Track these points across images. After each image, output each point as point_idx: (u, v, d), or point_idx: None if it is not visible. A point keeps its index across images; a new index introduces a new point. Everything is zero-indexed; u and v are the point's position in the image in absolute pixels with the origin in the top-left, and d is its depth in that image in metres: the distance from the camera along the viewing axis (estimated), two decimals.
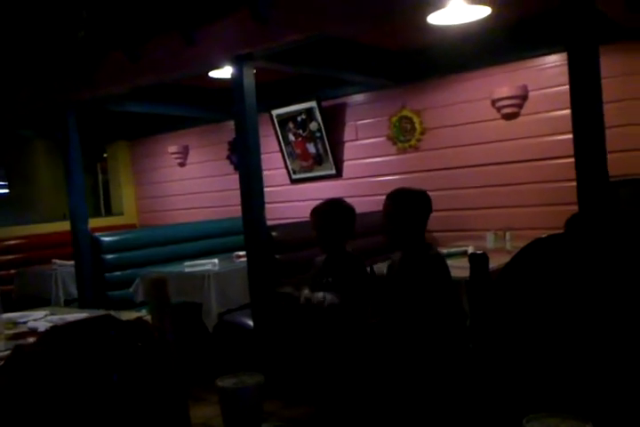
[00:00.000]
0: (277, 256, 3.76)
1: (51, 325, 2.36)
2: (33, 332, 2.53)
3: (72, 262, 4.78)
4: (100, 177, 8.15)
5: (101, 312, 1.82)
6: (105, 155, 7.63)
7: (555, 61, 4.16)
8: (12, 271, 5.49)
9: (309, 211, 2.88)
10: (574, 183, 2.54)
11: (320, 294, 2.59)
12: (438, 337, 2.41)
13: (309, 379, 2.77)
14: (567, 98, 2.59)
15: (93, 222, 5.13)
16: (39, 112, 5.09)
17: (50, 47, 4.24)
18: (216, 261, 4.31)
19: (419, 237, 2.54)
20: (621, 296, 1.42)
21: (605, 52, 2.61)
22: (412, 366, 2.39)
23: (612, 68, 3.71)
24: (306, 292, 2.67)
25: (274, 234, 3.78)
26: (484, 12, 3.38)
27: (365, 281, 2.73)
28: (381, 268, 2.93)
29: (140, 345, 1.28)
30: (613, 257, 1.50)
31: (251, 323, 3.74)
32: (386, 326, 2.50)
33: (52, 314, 2.92)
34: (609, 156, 2.48)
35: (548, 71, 4.20)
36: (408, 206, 2.52)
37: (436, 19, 3.42)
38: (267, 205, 3.77)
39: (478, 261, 1.65)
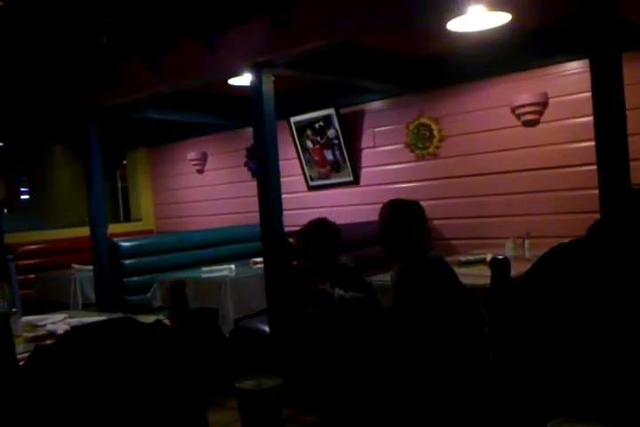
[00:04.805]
0: (294, 262, 3.75)
1: (69, 327, 2.38)
2: (52, 335, 2.55)
3: (91, 267, 4.82)
4: (120, 183, 8.24)
5: (119, 316, 1.83)
6: (124, 161, 7.71)
7: (576, 68, 4.12)
8: (32, 276, 5.54)
9: (326, 218, 2.90)
10: (595, 191, 2.51)
11: (349, 293, 2.64)
12: (449, 344, 2.39)
13: (326, 384, 2.75)
14: (588, 105, 2.57)
15: (112, 228, 5.17)
16: (60, 119, 5.16)
17: (72, 54, 4.30)
18: (233, 267, 4.32)
19: (414, 245, 2.58)
20: None
21: (628, 58, 2.58)
22: (423, 370, 2.37)
23: (635, 75, 3.67)
24: (338, 291, 2.70)
25: (291, 240, 3.78)
26: (505, 18, 3.37)
27: (366, 287, 2.76)
28: (382, 278, 2.98)
29: (158, 347, 1.28)
30: (636, 265, 1.47)
31: (267, 329, 3.74)
32: (395, 332, 2.50)
33: (70, 317, 2.94)
34: (631, 163, 2.45)
35: (569, 78, 4.17)
36: (403, 216, 2.59)
37: (455, 25, 3.41)
38: (284, 212, 3.77)
39: (500, 266, 1.63)
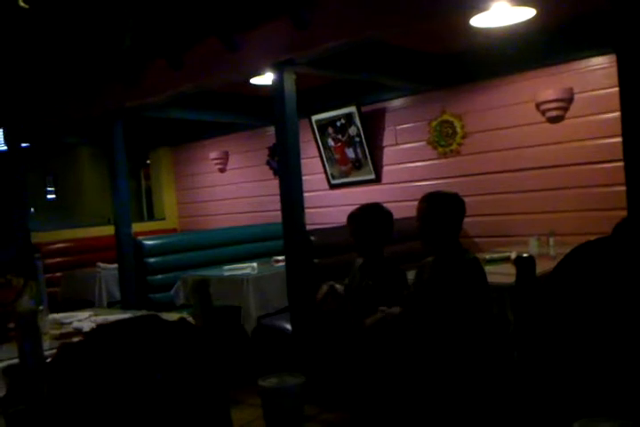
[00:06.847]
0: (316, 260, 3.75)
1: (95, 325, 2.41)
2: (78, 332, 2.59)
3: (116, 265, 4.89)
4: (143, 183, 8.34)
5: (144, 313, 1.85)
6: (148, 161, 7.80)
7: (601, 63, 4.05)
8: (59, 274, 5.63)
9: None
10: (620, 188, 2.47)
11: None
12: (474, 344, 2.36)
13: (347, 383, 2.75)
14: (614, 101, 2.53)
15: (136, 227, 5.23)
16: (86, 120, 5.23)
17: (97, 56, 4.35)
18: (255, 265, 4.34)
19: (453, 241, 2.52)
20: None
21: None
22: (448, 371, 2.35)
23: None
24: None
25: (313, 238, 3.78)
26: (529, 13, 3.33)
27: (403, 285, 2.71)
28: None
29: (183, 345, 1.29)
30: None
31: (289, 327, 3.75)
32: (418, 331, 2.47)
33: (95, 315, 2.99)
34: None
35: (595, 73, 4.10)
36: (442, 209, 2.51)
37: (479, 21, 3.38)
38: (306, 210, 3.77)
39: (525, 264, 1.61)
